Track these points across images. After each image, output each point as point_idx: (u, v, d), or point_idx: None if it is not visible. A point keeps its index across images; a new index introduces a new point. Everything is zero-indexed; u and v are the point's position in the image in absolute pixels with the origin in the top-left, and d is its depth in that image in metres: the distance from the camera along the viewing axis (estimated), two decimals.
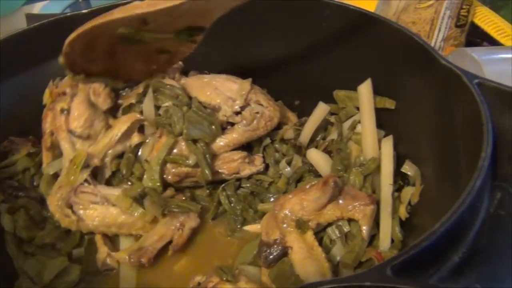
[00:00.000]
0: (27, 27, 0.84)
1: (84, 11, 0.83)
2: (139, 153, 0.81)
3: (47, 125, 0.79)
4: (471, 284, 0.40)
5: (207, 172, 0.77)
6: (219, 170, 0.80)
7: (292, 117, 0.88)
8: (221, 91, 0.83)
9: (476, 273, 0.42)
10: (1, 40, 0.79)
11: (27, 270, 0.70)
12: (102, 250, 0.72)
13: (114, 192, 0.74)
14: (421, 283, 0.36)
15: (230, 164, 0.81)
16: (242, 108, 0.80)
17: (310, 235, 0.64)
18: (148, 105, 0.80)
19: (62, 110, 0.77)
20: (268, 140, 0.84)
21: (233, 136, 0.80)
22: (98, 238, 0.74)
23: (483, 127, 0.50)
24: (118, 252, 0.72)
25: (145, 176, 0.77)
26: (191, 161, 0.77)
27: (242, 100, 0.80)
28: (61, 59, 0.73)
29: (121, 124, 0.79)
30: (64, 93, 0.79)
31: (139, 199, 0.73)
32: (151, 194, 0.74)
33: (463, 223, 0.44)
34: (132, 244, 0.73)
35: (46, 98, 0.81)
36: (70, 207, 0.73)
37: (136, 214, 0.72)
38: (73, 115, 0.77)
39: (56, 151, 0.79)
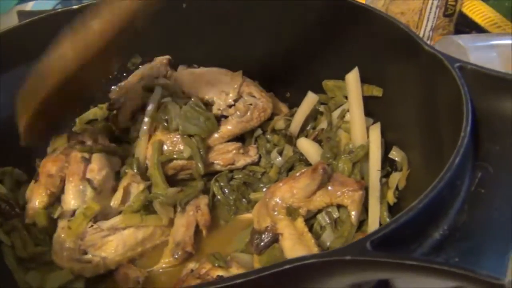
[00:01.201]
0: (17, 24, 0.85)
1: (75, 6, 0.83)
2: (134, 154, 0.82)
3: (55, 168, 0.75)
4: (451, 258, 0.41)
5: (200, 166, 0.78)
6: (214, 162, 0.82)
7: (283, 108, 0.89)
8: (213, 84, 0.84)
9: (456, 248, 0.43)
10: None
11: (30, 282, 0.68)
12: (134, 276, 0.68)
13: (115, 219, 0.72)
14: (399, 256, 0.37)
15: (225, 155, 0.82)
16: (236, 100, 0.82)
17: (300, 222, 0.65)
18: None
19: (83, 158, 0.75)
20: (259, 131, 0.85)
21: (228, 128, 0.81)
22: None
23: (462, 107, 0.51)
24: (161, 261, 0.70)
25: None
26: (185, 154, 0.79)
27: (235, 93, 0.82)
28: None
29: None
30: (83, 142, 0.79)
31: (146, 207, 0.73)
32: (157, 197, 0.74)
33: (443, 200, 0.45)
34: (165, 248, 0.72)
35: (58, 143, 0.81)
36: (84, 253, 0.69)
37: (150, 222, 0.72)
38: (94, 167, 0.75)
39: (50, 192, 0.75)
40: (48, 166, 0.76)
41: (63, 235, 0.69)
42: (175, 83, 0.86)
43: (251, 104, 0.82)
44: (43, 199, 0.74)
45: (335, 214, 0.68)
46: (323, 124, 0.82)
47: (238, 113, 0.81)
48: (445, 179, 0.44)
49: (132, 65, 0.94)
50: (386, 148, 0.72)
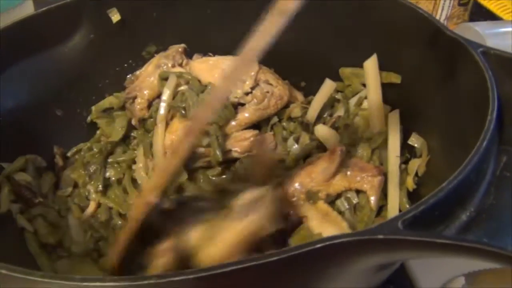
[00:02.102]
0: (34, 12, 0.85)
1: None
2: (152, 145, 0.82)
3: None
4: (479, 238, 0.42)
5: (218, 153, 0.79)
6: (232, 149, 0.82)
7: (299, 96, 0.90)
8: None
9: (483, 229, 0.44)
10: (9, 25, 0.79)
11: (58, 269, 0.69)
12: None
13: None
14: (430, 234, 0.38)
15: (242, 142, 0.82)
16: (252, 88, 0.82)
17: (322, 204, 0.66)
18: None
19: None
20: (275, 119, 0.86)
21: (245, 115, 0.82)
22: None
23: (488, 92, 0.51)
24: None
25: None
26: (203, 141, 0.79)
27: (252, 80, 0.82)
28: None
29: None
30: None
31: None
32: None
33: (470, 182, 0.45)
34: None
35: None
36: None
37: None
38: None
39: None
40: None
41: None
42: (191, 71, 0.87)
43: (268, 92, 0.82)
44: None
45: (354, 200, 0.69)
46: (340, 112, 0.82)
47: (255, 100, 0.81)
48: (473, 162, 0.44)
49: (147, 54, 0.94)
50: (405, 135, 0.72)
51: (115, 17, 0.89)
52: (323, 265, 0.42)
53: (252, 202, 0.59)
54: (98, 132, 0.91)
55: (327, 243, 0.39)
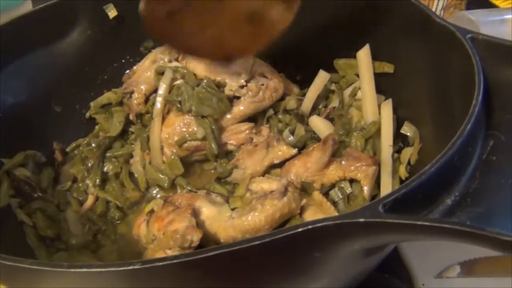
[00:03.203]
0: (31, 9, 0.86)
1: None
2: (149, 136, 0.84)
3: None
4: (463, 222, 0.42)
5: (214, 146, 0.79)
6: (227, 142, 0.82)
7: (294, 88, 0.90)
8: (224, 66, 0.85)
9: (467, 214, 0.44)
10: (7, 23, 0.80)
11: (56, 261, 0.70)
12: None
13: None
14: (411, 217, 0.38)
15: (238, 135, 0.83)
16: (247, 81, 0.82)
17: (317, 194, 0.66)
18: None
19: None
20: (271, 111, 0.86)
21: (240, 108, 0.82)
22: None
23: (474, 77, 0.51)
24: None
25: None
26: (199, 135, 0.80)
27: (247, 73, 0.82)
28: (141, 5, 0.66)
29: None
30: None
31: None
32: None
33: (454, 166, 0.46)
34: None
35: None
36: None
37: None
38: None
39: None
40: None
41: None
42: (187, 66, 0.87)
43: (263, 85, 0.82)
44: None
45: (348, 190, 0.69)
46: (334, 103, 0.82)
47: (250, 93, 0.82)
48: (456, 145, 0.45)
49: (144, 49, 0.95)
50: (397, 124, 0.73)
51: (112, 12, 0.90)
52: (307, 250, 0.43)
53: (268, 191, 0.64)
54: (96, 127, 0.92)
55: (309, 226, 0.39)
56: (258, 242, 0.39)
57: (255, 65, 0.84)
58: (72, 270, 0.39)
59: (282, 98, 0.87)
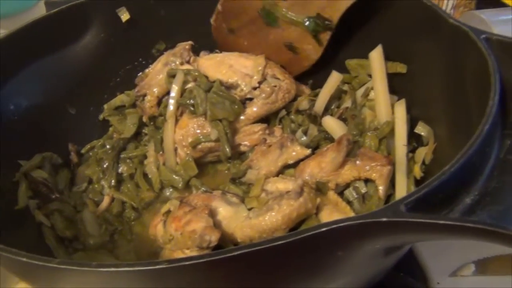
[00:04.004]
0: (45, 14, 0.87)
1: None
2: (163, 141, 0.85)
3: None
4: (483, 221, 0.42)
5: (227, 148, 0.80)
6: (241, 143, 0.83)
7: (305, 90, 0.90)
8: (236, 68, 0.85)
9: (487, 212, 0.44)
10: (22, 27, 0.81)
11: None
12: None
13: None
14: (433, 216, 0.38)
15: (251, 136, 0.83)
16: (260, 82, 0.83)
17: (332, 194, 0.67)
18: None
19: None
20: (283, 112, 0.87)
21: (253, 110, 0.83)
22: None
23: (490, 77, 0.52)
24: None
25: None
26: (212, 137, 0.80)
27: (259, 75, 0.83)
28: (213, 18, 0.87)
29: None
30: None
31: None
32: None
33: (473, 166, 0.46)
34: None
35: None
36: None
37: None
38: None
39: None
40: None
41: None
42: (198, 68, 0.88)
43: (275, 86, 0.83)
44: None
45: (363, 189, 0.69)
46: (347, 103, 0.83)
47: (263, 95, 0.82)
48: (475, 145, 0.45)
49: (156, 51, 0.96)
50: (411, 124, 0.73)
51: (125, 16, 0.91)
52: (329, 250, 0.43)
53: (284, 191, 0.65)
54: (110, 129, 0.93)
55: (333, 226, 0.40)
56: (282, 242, 0.39)
57: (267, 66, 0.85)
58: (101, 269, 0.40)
59: (294, 99, 0.87)
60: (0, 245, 0.45)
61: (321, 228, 0.39)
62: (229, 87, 0.84)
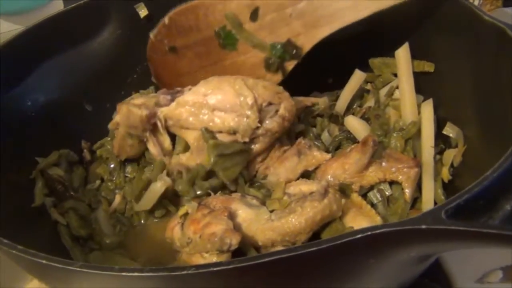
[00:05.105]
0: (64, 9, 0.86)
1: None
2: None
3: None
4: None
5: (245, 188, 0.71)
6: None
7: (304, 100, 0.83)
8: (221, 109, 0.70)
9: None
10: (39, 23, 0.81)
11: (91, 262, 0.70)
12: None
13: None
14: (477, 224, 0.36)
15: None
16: (260, 121, 0.69)
17: (356, 196, 0.65)
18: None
19: None
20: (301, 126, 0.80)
21: (257, 147, 0.72)
22: None
23: None
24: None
25: None
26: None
27: (255, 113, 0.68)
28: (154, 32, 0.77)
29: None
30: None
31: None
32: None
33: None
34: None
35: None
36: None
37: None
38: None
39: None
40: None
41: None
42: (174, 124, 0.74)
43: (277, 116, 0.71)
44: None
45: (387, 192, 0.67)
46: (370, 102, 0.80)
47: (268, 133, 0.71)
48: None
49: None
50: (439, 125, 0.71)
51: (143, 12, 0.89)
52: (361, 256, 0.41)
53: (308, 192, 0.62)
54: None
55: (368, 233, 0.38)
56: (315, 248, 0.37)
57: (254, 93, 0.69)
58: (124, 273, 0.38)
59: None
60: (19, 246, 0.44)
61: (356, 234, 0.37)
62: (226, 133, 0.70)
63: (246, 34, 0.73)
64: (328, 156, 0.72)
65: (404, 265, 0.47)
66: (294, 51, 0.73)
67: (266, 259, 0.37)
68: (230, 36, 0.74)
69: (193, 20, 0.75)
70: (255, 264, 0.37)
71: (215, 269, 0.37)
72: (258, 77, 0.74)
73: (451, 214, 0.38)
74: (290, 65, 0.75)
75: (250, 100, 0.68)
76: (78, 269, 0.40)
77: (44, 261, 0.41)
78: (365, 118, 0.79)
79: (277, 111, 0.71)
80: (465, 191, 0.40)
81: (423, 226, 0.37)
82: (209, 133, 0.70)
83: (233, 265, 0.37)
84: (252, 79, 0.71)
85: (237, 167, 0.70)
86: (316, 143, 0.77)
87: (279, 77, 0.76)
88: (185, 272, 0.37)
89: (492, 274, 0.70)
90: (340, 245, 0.38)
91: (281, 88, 0.73)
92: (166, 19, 0.76)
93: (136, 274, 0.38)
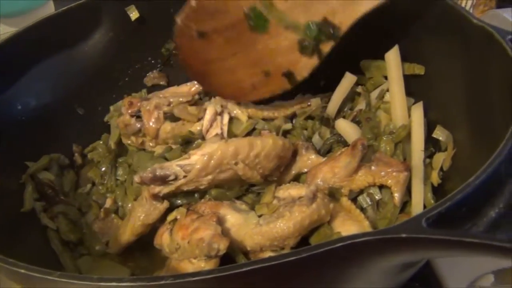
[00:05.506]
0: (54, 12, 0.86)
1: None
2: None
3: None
4: (509, 236, 0.40)
5: None
6: None
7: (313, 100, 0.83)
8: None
9: None
10: (30, 26, 0.80)
11: (80, 266, 0.70)
12: None
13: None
14: (457, 233, 0.36)
15: None
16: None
17: (345, 200, 0.64)
18: None
19: None
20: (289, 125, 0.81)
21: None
22: None
23: None
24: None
25: None
26: None
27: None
28: (181, 16, 0.71)
29: None
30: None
31: None
32: None
33: (499, 177, 0.43)
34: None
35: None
36: None
37: None
38: None
39: None
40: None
41: None
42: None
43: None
44: None
45: (377, 196, 0.67)
46: (360, 105, 0.80)
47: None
48: (503, 154, 0.42)
49: (165, 50, 0.94)
50: (429, 128, 0.70)
51: (134, 14, 0.89)
52: (344, 265, 0.41)
53: (296, 197, 0.63)
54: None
55: (348, 242, 0.37)
56: (295, 258, 0.37)
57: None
58: (102, 284, 0.38)
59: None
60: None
61: (336, 243, 0.37)
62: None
63: (277, 13, 0.67)
64: (322, 159, 0.71)
65: (389, 272, 0.46)
66: (331, 31, 0.66)
67: (245, 269, 0.37)
68: (260, 17, 0.68)
69: (222, 1, 0.69)
70: (234, 273, 0.37)
71: (193, 278, 0.37)
72: (292, 62, 0.70)
73: (432, 222, 0.38)
74: (326, 47, 0.68)
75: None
76: (56, 278, 0.40)
77: (23, 271, 0.41)
78: (356, 121, 0.79)
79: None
80: (446, 199, 0.39)
81: (403, 235, 0.36)
82: None
83: (212, 274, 0.37)
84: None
85: (229, 194, 0.71)
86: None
87: (315, 60, 0.70)
88: (163, 282, 0.37)
89: (484, 278, 0.69)
90: (320, 253, 0.37)
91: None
92: (193, 1, 0.70)
93: (114, 284, 0.38)
